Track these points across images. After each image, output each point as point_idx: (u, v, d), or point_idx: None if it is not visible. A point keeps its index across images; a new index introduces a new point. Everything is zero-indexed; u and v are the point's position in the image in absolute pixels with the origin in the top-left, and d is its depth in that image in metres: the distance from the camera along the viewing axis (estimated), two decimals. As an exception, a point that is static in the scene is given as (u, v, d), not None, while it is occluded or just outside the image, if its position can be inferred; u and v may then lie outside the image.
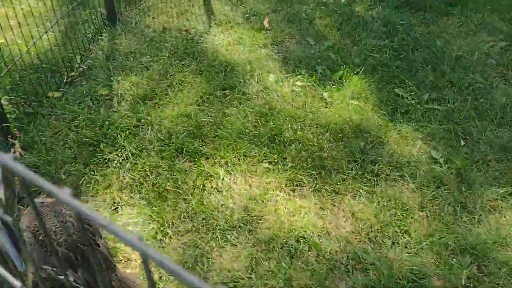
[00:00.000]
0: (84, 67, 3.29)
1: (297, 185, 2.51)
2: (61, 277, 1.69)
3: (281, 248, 2.19)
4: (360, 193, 2.47)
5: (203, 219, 2.30)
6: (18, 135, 2.64)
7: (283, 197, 2.44)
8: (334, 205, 2.42)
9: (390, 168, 2.63)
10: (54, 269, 1.72)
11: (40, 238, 1.66)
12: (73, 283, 1.63)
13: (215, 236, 2.24)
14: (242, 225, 2.29)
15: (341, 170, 2.59)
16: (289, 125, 2.87)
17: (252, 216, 2.33)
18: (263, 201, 2.41)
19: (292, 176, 2.54)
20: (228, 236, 2.24)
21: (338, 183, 2.51)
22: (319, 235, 2.26)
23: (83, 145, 2.66)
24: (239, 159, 2.65)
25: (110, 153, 2.63)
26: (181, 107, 2.99)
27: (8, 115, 2.72)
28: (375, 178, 2.56)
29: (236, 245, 2.21)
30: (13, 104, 2.81)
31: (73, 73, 3.20)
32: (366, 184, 2.52)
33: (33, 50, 3.08)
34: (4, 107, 2.59)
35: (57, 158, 2.56)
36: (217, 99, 3.09)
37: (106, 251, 1.86)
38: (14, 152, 2.55)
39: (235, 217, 2.32)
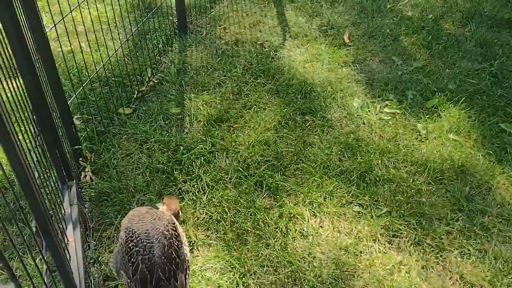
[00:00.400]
0: (155, 81, 3.11)
1: (393, 236, 2.19)
2: None
3: (381, 315, 1.89)
4: (469, 250, 2.13)
5: (290, 271, 2.03)
6: (88, 157, 2.47)
7: (378, 250, 2.13)
8: (439, 264, 2.09)
9: (502, 221, 2.27)
10: (128, 280, 1.57)
11: (129, 244, 1.60)
12: None
13: (303, 293, 1.97)
14: (333, 281, 2.01)
15: (444, 220, 2.25)
16: (379, 161, 2.56)
17: (343, 271, 2.04)
18: (355, 253, 2.12)
19: (388, 224, 2.23)
20: (318, 294, 1.97)
21: (442, 236, 2.18)
22: (423, 301, 1.95)
23: (156, 171, 2.46)
24: (325, 198, 2.36)
25: (185, 182, 2.41)
26: (258, 132, 2.74)
27: (78, 133, 2.56)
28: (485, 233, 2.20)
29: (327, 306, 1.93)
30: (83, 121, 2.65)
31: (143, 88, 3.02)
32: (475, 240, 2.17)
33: (106, 61, 2.92)
34: (76, 126, 2.42)
35: (129, 185, 2.37)
36: (297, 124, 2.82)
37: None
38: (85, 176, 2.38)
39: (325, 271, 2.04)
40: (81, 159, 2.39)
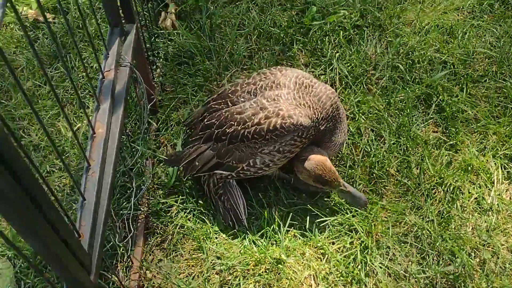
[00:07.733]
0: None
1: None
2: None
3: None
4: None
5: (446, 271, 1.19)
6: (178, -6, 1.64)
7: None
8: None
9: None
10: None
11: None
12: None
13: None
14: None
15: None
16: None
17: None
18: None
19: None
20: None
21: None
22: None
23: (267, 36, 1.58)
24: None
25: (306, 66, 1.53)
26: (439, 12, 1.67)
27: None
28: None
29: None
30: None
31: None
32: None
33: None
34: None
35: (225, 48, 1.55)
36: (507, 9, 1.68)
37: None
38: (165, 19, 1.58)
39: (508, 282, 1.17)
40: (164, -9, 1.58)
